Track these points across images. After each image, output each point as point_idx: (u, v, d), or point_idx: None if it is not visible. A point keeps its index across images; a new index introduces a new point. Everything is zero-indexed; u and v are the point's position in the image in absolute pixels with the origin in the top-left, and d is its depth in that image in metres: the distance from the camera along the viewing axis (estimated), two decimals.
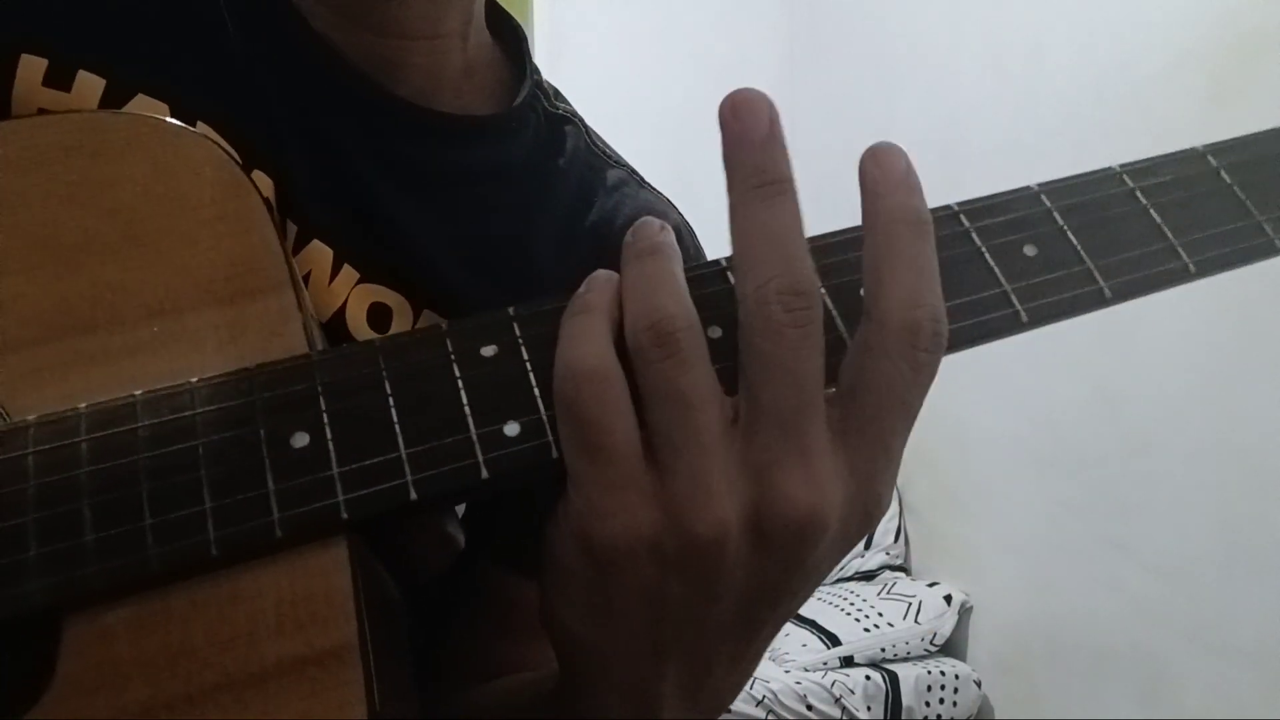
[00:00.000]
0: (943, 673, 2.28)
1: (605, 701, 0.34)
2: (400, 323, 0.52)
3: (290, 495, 0.31)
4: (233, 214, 0.36)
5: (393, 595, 0.36)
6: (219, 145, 0.38)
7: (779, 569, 0.31)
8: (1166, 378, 1.84)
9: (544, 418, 0.32)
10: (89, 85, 0.46)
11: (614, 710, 0.34)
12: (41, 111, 0.45)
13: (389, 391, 0.33)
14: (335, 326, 0.51)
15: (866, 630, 2.29)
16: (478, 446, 0.32)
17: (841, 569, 2.53)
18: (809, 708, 2.13)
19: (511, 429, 0.32)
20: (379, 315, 0.52)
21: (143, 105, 0.47)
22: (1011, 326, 0.35)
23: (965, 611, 2.39)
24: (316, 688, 0.30)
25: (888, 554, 2.60)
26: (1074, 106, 2.03)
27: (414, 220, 0.53)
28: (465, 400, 0.32)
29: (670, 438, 0.30)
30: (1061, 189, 0.38)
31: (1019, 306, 0.35)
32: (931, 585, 2.40)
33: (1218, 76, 1.77)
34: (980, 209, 0.37)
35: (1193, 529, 1.90)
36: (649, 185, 0.64)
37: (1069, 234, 0.36)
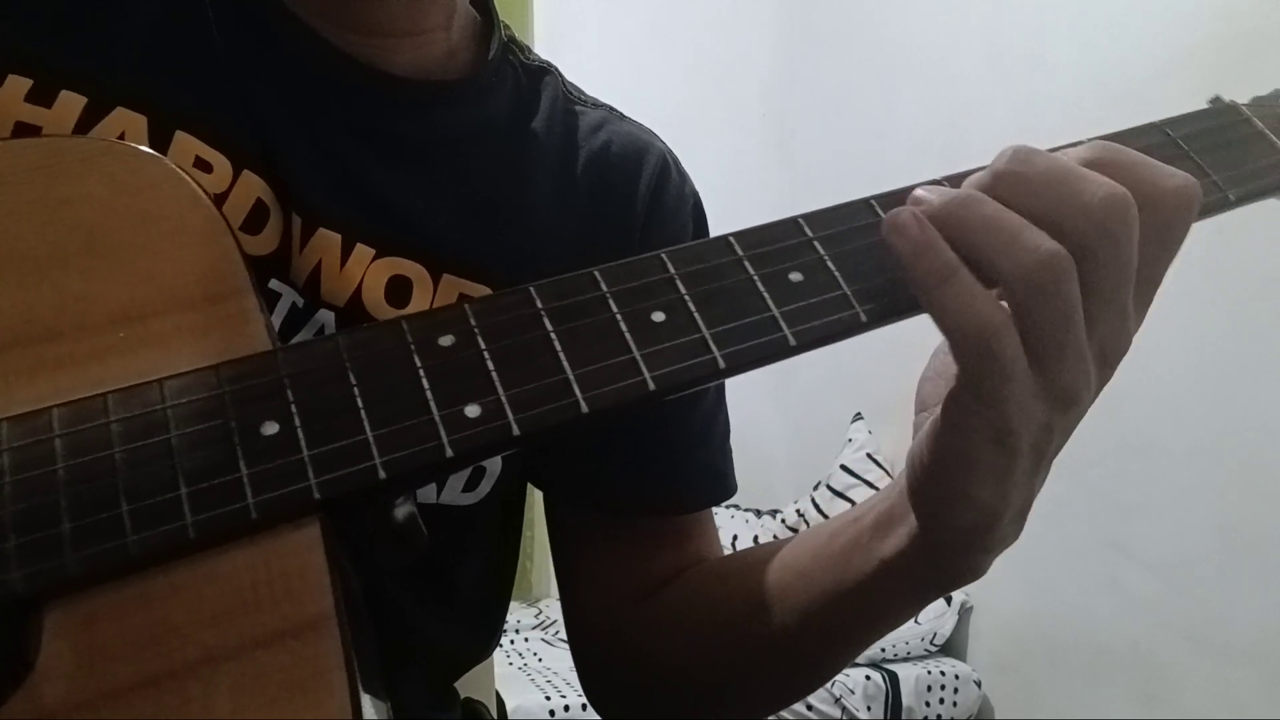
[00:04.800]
0: (943, 673, 2.28)
1: (987, 536, 0.41)
2: (420, 291, 0.53)
3: (263, 479, 0.32)
4: (192, 226, 0.38)
5: (357, 590, 0.37)
6: (175, 166, 0.40)
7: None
8: (1166, 377, 1.84)
9: (502, 398, 0.34)
10: (70, 101, 0.47)
11: (1004, 534, 0.42)
12: (19, 125, 0.46)
13: (353, 381, 0.34)
14: (353, 309, 0.52)
15: None
16: (441, 428, 0.34)
17: None
18: (809, 707, 2.13)
19: (472, 410, 0.34)
20: (398, 288, 0.53)
21: (121, 117, 0.48)
22: (782, 350, 0.37)
23: (965, 611, 2.39)
24: (296, 658, 0.31)
25: None
26: (1073, 106, 2.03)
27: (411, 190, 0.54)
28: (426, 386, 0.34)
29: (1055, 350, 0.37)
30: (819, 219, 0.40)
31: (786, 330, 0.37)
32: None
33: (1217, 75, 1.76)
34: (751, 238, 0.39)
35: (1192, 529, 1.91)
36: (629, 118, 0.66)
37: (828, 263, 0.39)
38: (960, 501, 0.39)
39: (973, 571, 0.44)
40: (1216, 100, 0.49)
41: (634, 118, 0.67)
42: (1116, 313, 0.38)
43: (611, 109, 0.66)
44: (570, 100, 0.64)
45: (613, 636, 0.62)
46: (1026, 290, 0.36)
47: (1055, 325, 0.36)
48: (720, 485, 0.64)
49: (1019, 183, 0.38)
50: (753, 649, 0.54)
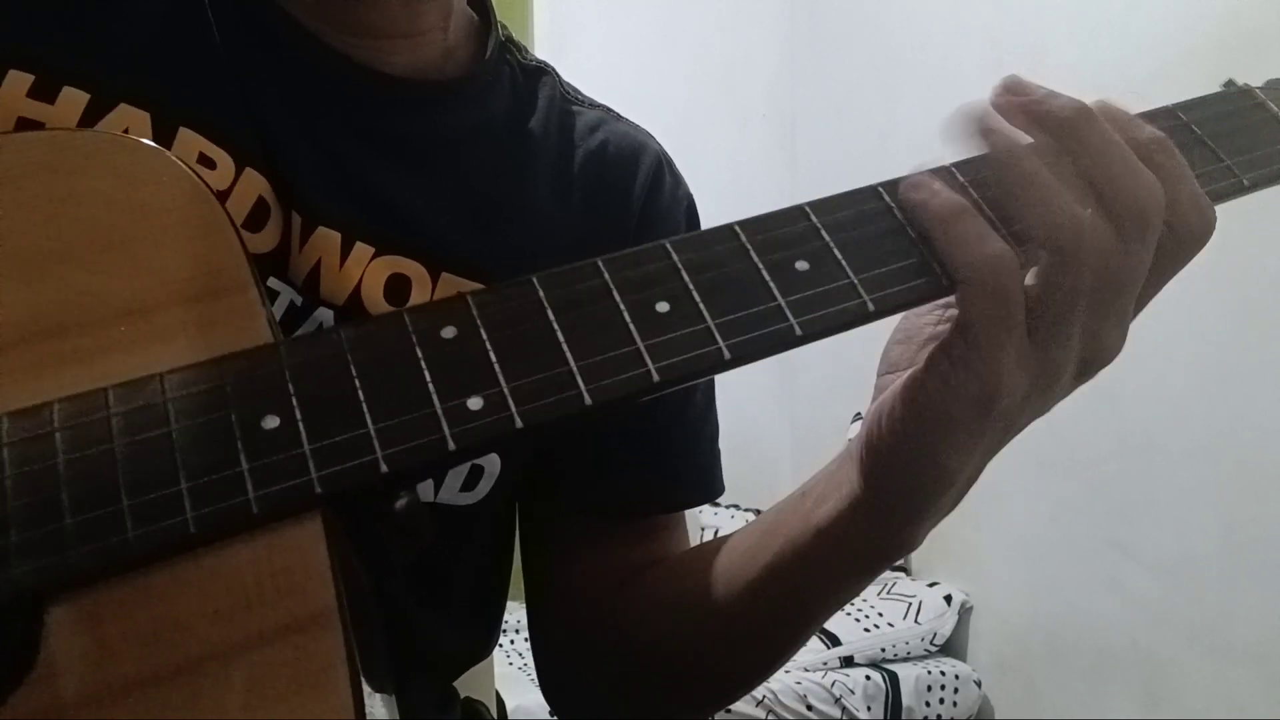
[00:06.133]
0: (943, 673, 2.28)
1: (934, 503, 0.42)
2: (419, 289, 0.53)
3: (264, 473, 0.32)
4: (195, 220, 0.38)
5: (365, 585, 0.37)
6: (177, 159, 0.39)
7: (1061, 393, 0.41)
8: (1166, 377, 1.84)
9: (505, 391, 0.34)
10: (73, 98, 0.47)
11: (944, 505, 0.42)
12: (22, 121, 0.46)
13: (355, 374, 0.34)
14: (352, 307, 0.52)
15: (866, 630, 2.29)
16: (443, 420, 0.33)
17: None
18: (809, 708, 2.13)
19: (475, 403, 0.34)
20: (397, 287, 0.53)
21: (125, 114, 0.48)
22: (788, 340, 0.37)
23: (965, 611, 2.39)
24: (300, 652, 0.30)
25: None
26: None
27: (410, 189, 0.55)
28: (429, 378, 0.34)
29: (1056, 316, 0.38)
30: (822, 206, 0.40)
31: (792, 320, 0.37)
32: (931, 585, 2.40)
33: (1218, 75, 1.76)
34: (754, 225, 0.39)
35: (1193, 528, 1.91)
36: (625, 119, 0.67)
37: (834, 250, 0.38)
38: (922, 461, 0.39)
39: (909, 542, 0.44)
40: (1230, 84, 0.48)
41: (637, 120, 0.67)
42: (1116, 317, 0.39)
43: (608, 109, 0.66)
44: (567, 100, 0.64)
45: (588, 630, 0.63)
46: (1065, 253, 0.37)
47: (1073, 295, 0.37)
48: (710, 484, 0.65)
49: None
50: (716, 630, 0.55)
